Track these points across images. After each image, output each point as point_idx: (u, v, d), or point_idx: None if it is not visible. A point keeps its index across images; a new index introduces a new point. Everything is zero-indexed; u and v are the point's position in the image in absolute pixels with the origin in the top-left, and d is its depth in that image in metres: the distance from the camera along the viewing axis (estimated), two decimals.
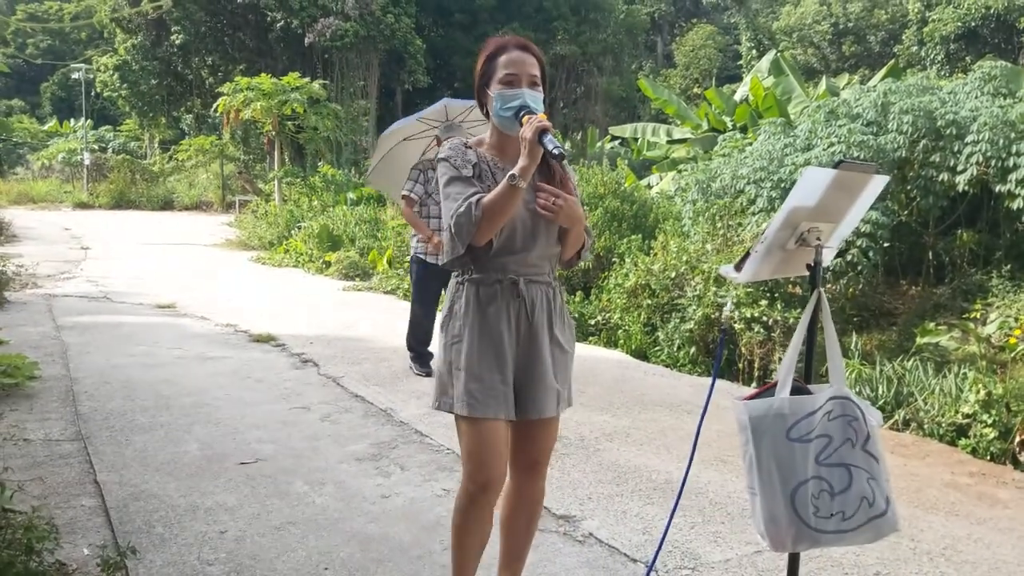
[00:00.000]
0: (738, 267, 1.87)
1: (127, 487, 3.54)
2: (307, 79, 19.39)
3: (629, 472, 3.87)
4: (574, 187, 2.28)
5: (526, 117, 2.10)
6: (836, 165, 1.82)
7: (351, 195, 16.31)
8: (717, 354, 2.11)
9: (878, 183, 1.91)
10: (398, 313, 8.47)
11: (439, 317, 2.39)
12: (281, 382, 5.49)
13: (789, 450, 1.79)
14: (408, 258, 6.92)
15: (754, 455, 1.80)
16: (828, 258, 1.93)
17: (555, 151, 2.05)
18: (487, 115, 2.29)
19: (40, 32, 44.80)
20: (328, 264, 11.98)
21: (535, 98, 2.18)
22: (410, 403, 5.01)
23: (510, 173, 2.07)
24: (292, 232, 14.38)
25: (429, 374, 5.41)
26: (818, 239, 1.86)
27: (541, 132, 2.04)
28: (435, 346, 2.64)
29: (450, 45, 30.19)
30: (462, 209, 2.10)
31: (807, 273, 1.89)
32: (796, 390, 1.85)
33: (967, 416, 4.58)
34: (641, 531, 3.21)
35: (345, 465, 3.91)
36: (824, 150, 7.78)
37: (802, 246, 1.88)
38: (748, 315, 6.41)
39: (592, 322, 7.65)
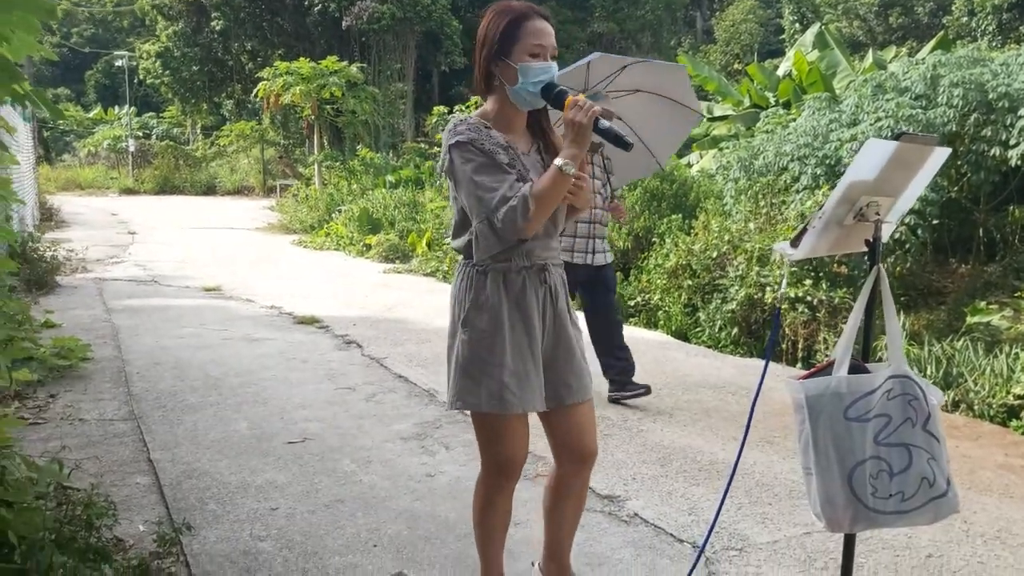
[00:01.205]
0: (794, 243, 1.83)
1: (180, 465, 3.63)
2: (345, 63, 19.47)
3: (674, 453, 3.85)
4: (585, 166, 2.15)
5: (570, 98, 1.95)
6: (897, 137, 1.77)
7: (390, 178, 16.40)
8: (772, 334, 2.05)
9: (939, 156, 1.86)
10: (438, 294, 8.53)
11: (453, 308, 2.20)
12: (326, 363, 5.57)
13: (847, 430, 1.76)
14: None
15: (811, 435, 1.77)
16: (887, 233, 1.88)
17: (622, 139, 1.90)
18: (487, 87, 2.11)
19: (84, 21, 45.63)
20: (368, 247, 12.09)
21: (556, 73, 2.04)
22: None
23: (563, 161, 1.93)
24: (332, 215, 14.53)
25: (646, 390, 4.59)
26: (877, 214, 1.82)
27: (597, 119, 1.91)
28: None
29: None
30: (515, 202, 1.95)
31: (865, 249, 1.85)
32: (854, 368, 1.81)
33: (1019, 397, 4.46)
34: (687, 511, 3.20)
35: (391, 444, 3.96)
36: (871, 125, 7.60)
37: (860, 221, 1.83)
38: (792, 295, 6.32)
39: (632, 303, 7.61)
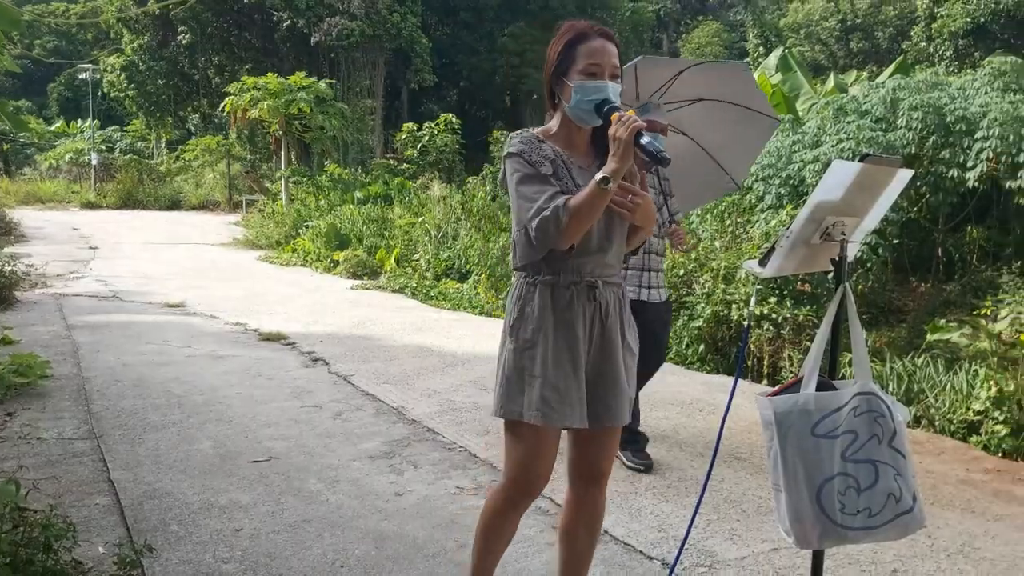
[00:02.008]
0: (762, 262, 1.86)
1: (141, 485, 3.55)
2: (313, 78, 19.40)
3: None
4: (645, 183, 2.20)
5: (615, 115, 1.98)
6: (862, 159, 1.82)
7: (358, 194, 16.33)
8: (740, 351, 2.08)
9: (902, 177, 1.90)
10: (406, 311, 8.49)
11: (506, 319, 2.22)
12: (292, 380, 5.50)
13: (815, 446, 1.78)
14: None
15: (779, 451, 1.79)
16: (852, 253, 1.92)
17: (659, 155, 1.91)
18: (553, 105, 2.18)
19: (47, 32, 44.91)
20: (336, 263, 12.00)
21: (616, 91, 2.08)
22: (421, 402, 5.01)
23: (601, 176, 1.96)
24: (299, 231, 14.41)
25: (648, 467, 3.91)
26: (843, 233, 1.85)
27: (638, 133, 1.94)
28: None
29: (456, 43, 30.19)
30: (548, 212, 1.98)
31: (831, 268, 1.88)
32: (821, 386, 1.84)
33: (978, 413, 4.56)
34: (656, 528, 3.21)
35: (358, 463, 3.91)
36: (833, 147, 7.76)
37: (827, 241, 1.86)
38: (758, 312, 6.40)
39: None
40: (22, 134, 32.82)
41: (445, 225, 11.77)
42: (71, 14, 42.50)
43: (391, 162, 21.17)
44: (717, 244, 7.65)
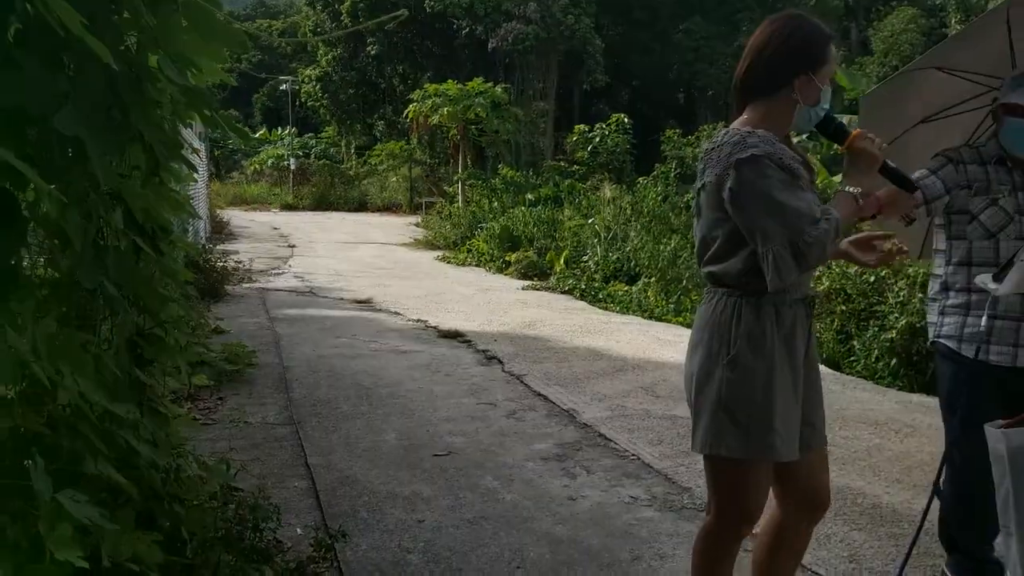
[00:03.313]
0: (997, 278, 1.67)
1: (334, 471, 3.79)
2: (490, 83, 19.97)
3: (832, 493, 3.61)
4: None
5: (856, 131, 1.89)
6: None
7: (530, 196, 16.62)
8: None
9: None
10: (575, 313, 8.52)
11: (712, 341, 1.94)
12: (468, 377, 5.68)
13: None
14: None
15: (1011, 490, 1.60)
16: None
17: (906, 180, 1.89)
18: (764, 92, 1.91)
19: (253, 47, 49.39)
20: (508, 263, 12.27)
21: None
22: (592, 405, 5.00)
23: (856, 192, 1.87)
24: (474, 232, 14.89)
25: None
26: None
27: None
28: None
29: (629, 43, 29.92)
30: (827, 225, 1.79)
31: None
32: None
33: None
34: (847, 558, 2.99)
35: (532, 463, 3.96)
36: None
37: None
38: None
39: None
40: (231, 142, 36.27)
41: (615, 227, 11.71)
42: (273, 29, 46.51)
43: (562, 164, 21.36)
44: None
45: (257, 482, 3.54)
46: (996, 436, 1.64)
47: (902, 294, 6.42)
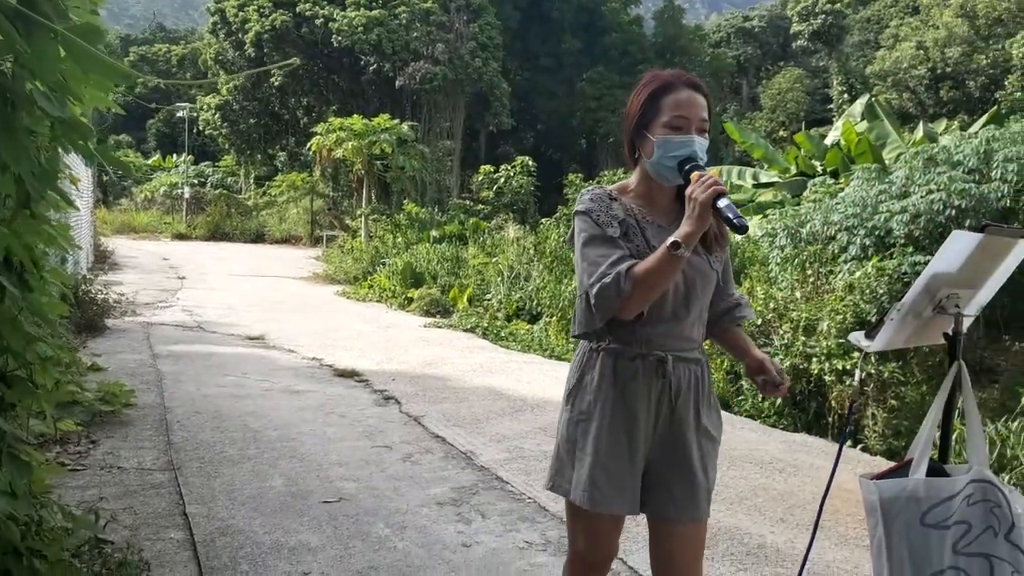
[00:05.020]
0: (870, 335, 1.75)
1: (215, 521, 3.59)
2: (396, 120, 19.98)
3: (719, 533, 3.69)
4: (727, 244, 2.02)
5: (695, 173, 1.80)
6: (982, 229, 1.69)
7: (434, 233, 16.61)
8: (844, 427, 1.94)
9: (1022, 249, 1.78)
10: (477, 352, 8.49)
11: (567, 383, 2.05)
12: (364, 419, 5.53)
13: (924, 537, 1.64)
14: None
15: (884, 540, 1.66)
16: (965, 326, 1.79)
17: (737, 221, 1.72)
18: (634, 160, 2.01)
19: (149, 72, 47.70)
20: (410, 300, 12.16)
21: (703, 147, 1.91)
22: (490, 447, 4.96)
23: (672, 240, 1.75)
24: (376, 268, 14.71)
25: None
26: (957, 306, 1.73)
27: (717, 196, 1.74)
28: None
29: (534, 88, 30.66)
30: (609, 279, 1.81)
31: (942, 342, 1.76)
32: (932, 471, 1.70)
33: None
34: None
35: (426, 509, 3.87)
36: (922, 198, 7.49)
37: (940, 314, 1.74)
38: (840, 367, 6.14)
39: None
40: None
41: (518, 266, 11.83)
42: (173, 54, 45.00)
43: (468, 202, 21.50)
44: (798, 294, 7.42)
45: (129, 534, 3.32)
46: (869, 487, 1.71)
47: (787, 336, 6.72)
